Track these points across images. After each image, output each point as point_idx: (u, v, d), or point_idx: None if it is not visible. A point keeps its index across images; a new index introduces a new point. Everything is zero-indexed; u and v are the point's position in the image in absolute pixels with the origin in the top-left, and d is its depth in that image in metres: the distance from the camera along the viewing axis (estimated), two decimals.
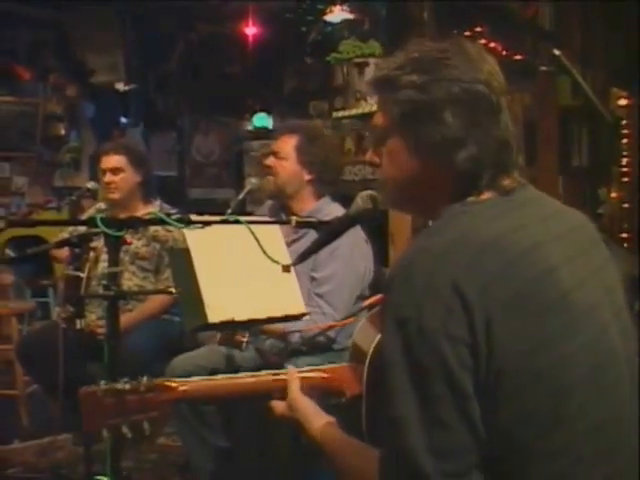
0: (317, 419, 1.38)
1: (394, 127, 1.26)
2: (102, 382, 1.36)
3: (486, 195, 1.21)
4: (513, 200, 1.21)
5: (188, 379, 1.43)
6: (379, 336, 1.34)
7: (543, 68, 3.70)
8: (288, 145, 2.93)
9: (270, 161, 2.96)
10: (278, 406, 1.45)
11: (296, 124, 3.13)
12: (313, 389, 1.48)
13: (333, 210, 2.86)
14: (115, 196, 3.53)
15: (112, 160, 3.53)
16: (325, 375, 1.50)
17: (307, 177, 2.92)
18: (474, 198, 1.21)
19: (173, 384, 1.40)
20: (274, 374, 1.51)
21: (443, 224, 1.19)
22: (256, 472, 2.60)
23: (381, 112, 1.29)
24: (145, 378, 1.38)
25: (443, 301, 1.05)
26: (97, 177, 3.75)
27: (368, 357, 1.35)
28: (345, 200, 2.77)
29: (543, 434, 1.06)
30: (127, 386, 1.35)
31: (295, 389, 1.44)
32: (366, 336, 1.46)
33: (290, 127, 3.07)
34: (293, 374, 1.47)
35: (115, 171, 3.52)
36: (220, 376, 1.50)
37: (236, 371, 2.70)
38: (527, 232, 1.16)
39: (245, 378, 1.50)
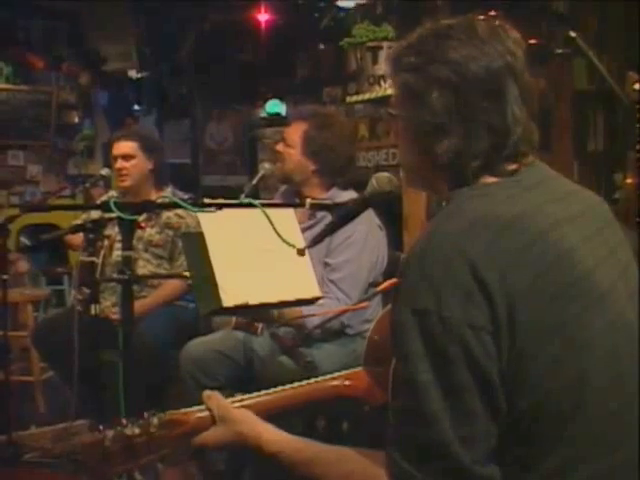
0: (267, 428, 1.26)
1: (396, 108, 1.27)
2: (101, 427, 1.23)
3: (491, 179, 1.19)
4: (523, 181, 1.18)
5: (200, 407, 1.28)
6: None
7: (558, 51, 3.66)
8: (296, 133, 2.90)
9: (280, 147, 2.95)
10: (208, 435, 1.27)
11: (309, 111, 3.07)
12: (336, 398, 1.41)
13: (345, 197, 2.83)
14: (126, 183, 3.52)
15: (124, 146, 3.53)
16: (348, 383, 1.42)
17: (312, 167, 2.88)
18: (483, 180, 1.19)
19: (184, 416, 1.26)
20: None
21: (456, 208, 1.15)
22: (270, 459, 2.59)
23: (394, 93, 1.30)
24: (155, 416, 1.24)
25: (463, 289, 1.03)
26: (111, 165, 3.75)
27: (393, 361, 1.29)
28: (359, 186, 2.75)
29: (562, 418, 1.04)
30: (137, 430, 1.22)
31: (224, 403, 1.29)
32: (386, 335, 1.40)
33: (301, 114, 3.03)
34: (208, 392, 1.31)
35: (126, 157, 3.51)
36: (236, 398, 1.35)
37: (250, 356, 2.72)
38: (543, 213, 1.13)
39: (261, 396, 1.37)
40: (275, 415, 1.34)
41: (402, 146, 1.29)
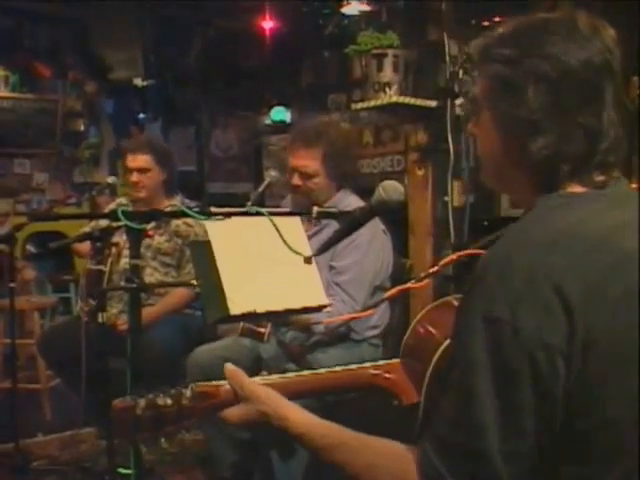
0: (293, 409, 1.22)
1: (483, 100, 1.20)
2: (133, 396, 1.21)
3: (578, 188, 1.13)
4: (609, 196, 1.12)
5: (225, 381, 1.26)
6: (445, 341, 1.22)
7: None
8: (312, 162, 2.81)
9: (297, 180, 2.84)
10: (234, 412, 1.24)
11: (312, 133, 2.86)
12: (375, 390, 1.37)
13: (352, 202, 2.85)
14: (141, 194, 3.55)
15: (140, 160, 3.54)
16: (388, 375, 1.36)
17: (335, 184, 2.89)
18: (570, 189, 1.13)
19: (215, 389, 1.25)
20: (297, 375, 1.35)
21: (542, 215, 1.10)
22: (278, 464, 2.60)
23: (477, 83, 1.23)
24: (189, 388, 1.23)
25: (542, 304, 0.97)
26: (117, 172, 3.77)
27: (434, 359, 1.23)
28: (363, 193, 2.76)
29: (621, 447, 1.00)
30: (169, 401, 1.21)
31: (248, 381, 1.24)
32: (429, 332, 1.36)
33: (308, 139, 2.83)
34: (231, 369, 1.26)
35: (143, 171, 3.54)
36: (273, 376, 1.32)
37: (257, 363, 2.73)
38: (629, 233, 1.07)
39: (288, 378, 1.34)
40: (310, 396, 1.33)
41: (486, 142, 1.22)
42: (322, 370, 1.37)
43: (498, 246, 1.07)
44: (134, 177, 3.53)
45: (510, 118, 1.14)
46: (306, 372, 1.36)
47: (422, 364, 1.22)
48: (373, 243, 2.77)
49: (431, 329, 1.35)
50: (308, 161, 2.81)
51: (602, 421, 0.99)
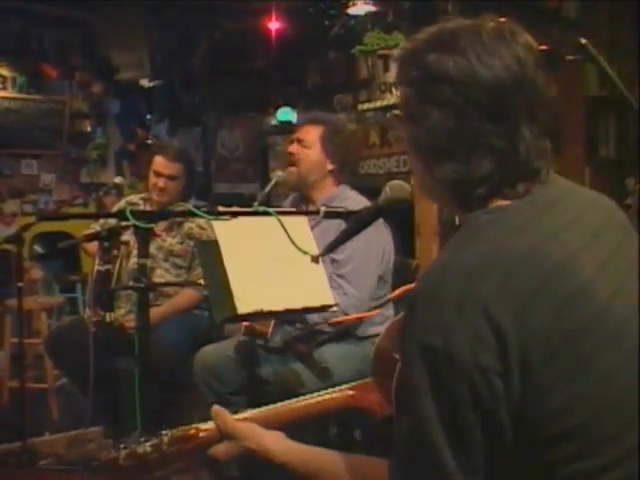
0: (274, 441, 1.27)
1: (401, 122, 1.17)
2: (121, 446, 1.27)
3: (503, 201, 1.10)
4: (537, 202, 1.09)
5: (210, 422, 1.32)
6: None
7: (569, 57, 3.67)
8: (313, 134, 2.93)
9: (294, 148, 2.96)
10: (220, 449, 1.30)
11: (320, 115, 3.15)
12: (337, 411, 1.42)
13: (352, 196, 2.88)
14: (164, 199, 3.56)
15: (173, 167, 3.56)
16: (352, 393, 1.40)
17: (330, 167, 2.93)
18: (495, 204, 1.10)
19: (193, 432, 1.30)
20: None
21: (470, 236, 1.07)
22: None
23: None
24: (167, 433, 1.29)
25: (474, 329, 0.97)
26: (123, 173, 3.78)
27: (395, 375, 1.22)
28: (369, 193, 2.76)
29: (580, 454, 1.00)
30: (148, 448, 1.27)
31: (231, 420, 1.30)
32: (391, 347, 1.35)
33: (314, 118, 3.08)
34: (216, 409, 1.32)
35: (172, 178, 3.56)
36: (250, 412, 1.37)
37: (263, 362, 2.74)
38: (558, 242, 1.05)
39: (271, 410, 1.38)
40: (287, 427, 1.35)
41: (410, 160, 1.20)
42: (299, 399, 1.41)
43: (428, 274, 1.05)
44: (161, 183, 3.53)
45: (417, 143, 1.13)
46: (281, 404, 1.39)
47: (390, 379, 1.21)
48: (373, 234, 2.76)
49: (393, 344, 1.34)
50: (308, 133, 2.96)
51: (560, 431, 0.99)
